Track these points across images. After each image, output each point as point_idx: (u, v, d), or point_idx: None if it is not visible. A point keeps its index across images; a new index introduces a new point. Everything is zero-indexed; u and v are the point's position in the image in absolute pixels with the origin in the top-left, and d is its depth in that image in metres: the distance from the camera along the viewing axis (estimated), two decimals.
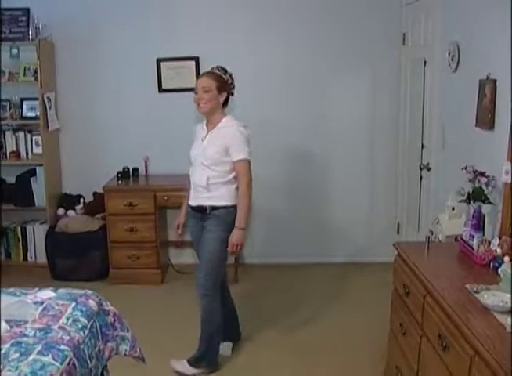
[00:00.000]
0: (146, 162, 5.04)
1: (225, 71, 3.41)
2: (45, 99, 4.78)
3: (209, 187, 3.31)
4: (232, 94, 3.46)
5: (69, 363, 2.10)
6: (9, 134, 4.94)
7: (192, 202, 3.42)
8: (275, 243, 5.22)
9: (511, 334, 1.93)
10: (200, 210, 3.37)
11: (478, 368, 1.90)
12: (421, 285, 2.54)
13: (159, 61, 4.94)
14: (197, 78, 3.46)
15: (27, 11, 4.71)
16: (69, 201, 5.07)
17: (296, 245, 5.19)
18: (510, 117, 2.75)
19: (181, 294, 4.43)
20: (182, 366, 3.42)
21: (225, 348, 3.64)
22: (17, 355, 2.04)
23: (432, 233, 3.17)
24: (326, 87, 4.97)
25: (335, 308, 4.28)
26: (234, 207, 3.32)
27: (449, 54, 3.63)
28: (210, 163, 3.28)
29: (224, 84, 3.35)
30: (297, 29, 4.87)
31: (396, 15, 4.79)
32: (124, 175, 4.94)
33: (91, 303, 2.53)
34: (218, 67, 3.41)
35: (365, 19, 4.83)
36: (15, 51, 4.83)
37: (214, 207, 3.32)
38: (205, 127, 3.41)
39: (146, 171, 5.05)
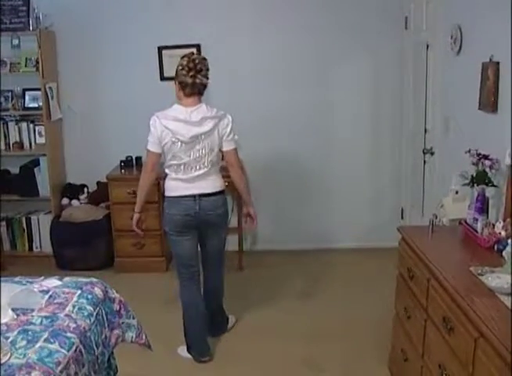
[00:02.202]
0: None
1: (181, 58, 3.20)
2: (47, 89, 4.77)
3: None
4: (197, 79, 3.15)
5: (75, 351, 2.13)
6: (11, 124, 4.94)
7: None
8: (279, 229, 5.23)
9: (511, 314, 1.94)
10: None
11: (483, 350, 1.90)
12: (425, 269, 2.54)
13: (160, 49, 4.91)
14: None
15: (27, 1, 4.69)
16: (73, 191, 5.09)
17: (301, 231, 5.19)
18: None
19: None
20: (183, 348, 3.50)
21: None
22: (24, 342, 2.07)
23: (436, 217, 3.17)
24: (328, 72, 4.95)
25: (340, 293, 4.30)
26: (167, 197, 3.39)
27: (452, 37, 3.61)
28: None
29: (176, 73, 3.22)
30: (298, 16, 4.83)
31: None
32: (127, 163, 4.95)
33: (97, 291, 2.55)
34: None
35: (367, 3, 4.80)
36: (16, 41, 4.79)
37: None
38: None
39: None
